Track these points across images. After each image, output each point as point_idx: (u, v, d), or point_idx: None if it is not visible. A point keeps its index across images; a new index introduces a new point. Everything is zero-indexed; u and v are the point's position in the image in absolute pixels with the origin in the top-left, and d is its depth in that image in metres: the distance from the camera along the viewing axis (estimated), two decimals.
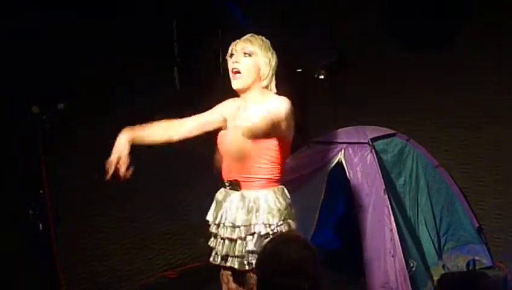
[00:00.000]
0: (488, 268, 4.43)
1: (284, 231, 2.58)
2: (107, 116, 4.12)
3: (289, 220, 2.64)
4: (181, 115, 4.62)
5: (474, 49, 4.48)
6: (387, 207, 3.79)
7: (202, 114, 2.92)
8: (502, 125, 4.51)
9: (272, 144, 2.61)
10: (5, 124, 3.47)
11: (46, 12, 3.70)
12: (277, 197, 2.63)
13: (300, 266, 1.91)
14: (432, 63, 4.70)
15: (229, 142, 2.65)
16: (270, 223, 2.56)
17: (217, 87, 4.95)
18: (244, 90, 2.70)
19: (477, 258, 4.41)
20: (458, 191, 4.58)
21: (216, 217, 2.73)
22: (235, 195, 2.67)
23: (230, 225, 2.63)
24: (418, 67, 4.79)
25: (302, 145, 4.41)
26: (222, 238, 2.68)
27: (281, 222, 2.59)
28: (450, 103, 4.73)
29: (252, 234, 2.58)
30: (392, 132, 4.40)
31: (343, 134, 4.32)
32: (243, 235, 2.59)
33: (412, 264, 3.79)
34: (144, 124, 2.93)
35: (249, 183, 2.65)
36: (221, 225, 2.69)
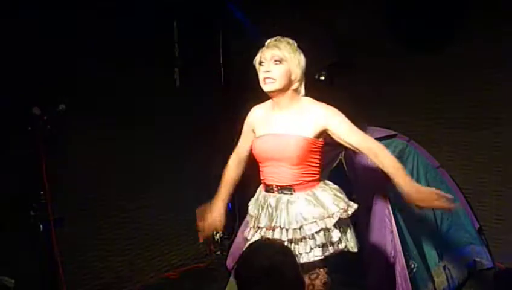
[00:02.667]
0: (488, 269, 4.43)
1: (345, 217, 2.74)
2: (108, 117, 4.13)
3: (349, 202, 2.83)
4: (181, 115, 4.66)
5: (475, 49, 4.48)
6: (388, 208, 3.79)
7: (240, 145, 3.03)
8: (502, 126, 4.51)
9: (320, 146, 2.75)
10: (6, 125, 3.48)
11: (46, 12, 3.71)
12: (330, 189, 2.80)
13: (274, 272, 1.90)
14: (433, 63, 4.70)
15: (280, 149, 2.71)
16: (334, 213, 2.69)
17: (216, 88, 4.99)
18: (275, 94, 2.75)
19: (478, 259, 4.42)
20: (459, 192, 4.57)
21: (268, 222, 2.76)
22: (290, 197, 2.74)
23: (293, 227, 2.68)
24: (418, 67, 4.79)
25: None
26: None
27: (342, 209, 2.73)
28: (451, 103, 4.73)
29: (318, 231, 2.67)
30: (393, 132, 4.39)
31: None
32: (309, 234, 2.66)
33: (412, 265, 3.78)
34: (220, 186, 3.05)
35: (301, 185, 2.74)
36: (282, 229, 2.70)
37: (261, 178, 2.87)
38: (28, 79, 3.61)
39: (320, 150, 2.76)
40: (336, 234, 2.73)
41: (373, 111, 4.97)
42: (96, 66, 4.00)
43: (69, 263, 3.80)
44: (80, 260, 4.09)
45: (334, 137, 2.76)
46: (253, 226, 2.87)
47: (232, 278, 4.14)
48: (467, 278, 4.29)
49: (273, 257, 1.95)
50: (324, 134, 2.74)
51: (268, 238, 2.61)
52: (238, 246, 4.16)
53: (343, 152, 4.10)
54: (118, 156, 4.26)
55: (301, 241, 2.68)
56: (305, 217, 2.68)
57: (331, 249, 2.73)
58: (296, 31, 4.83)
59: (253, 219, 2.88)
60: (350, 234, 2.84)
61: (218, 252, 5.03)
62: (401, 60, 4.84)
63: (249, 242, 2.79)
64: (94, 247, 4.22)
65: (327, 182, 2.86)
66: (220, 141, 4.76)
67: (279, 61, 2.69)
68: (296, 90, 2.76)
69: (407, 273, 3.67)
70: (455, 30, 4.54)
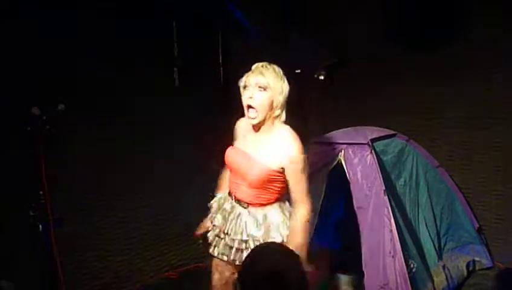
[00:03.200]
0: (488, 269, 4.43)
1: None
2: (107, 117, 4.13)
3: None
4: (180, 115, 4.66)
5: (475, 49, 4.49)
6: (387, 208, 3.79)
7: None
8: (502, 126, 4.52)
9: (283, 177, 2.82)
10: (5, 125, 3.48)
11: (46, 12, 3.70)
12: (281, 212, 2.88)
13: (278, 276, 1.90)
14: (432, 63, 4.71)
15: (243, 169, 2.82)
16: (277, 236, 2.81)
17: (216, 88, 4.99)
18: (258, 123, 2.82)
19: (477, 258, 4.42)
20: (458, 191, 4.58)
21: (223, 225, 2.95)
22: (242, 210, 2.89)
23: (239, 238, 2.85)
24: (418, 67, 4.80)
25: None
26: (229, 245, 2.91)
27: (286, 234, 2.83)
28: (450, 103, 4.73)
29: None
30: (392, 132, 4.40)
31: (343, 135, 4.32)
32: (252, 247, 2.80)
33: (412, 265, 3.78)
34: None
35: (257, 204, 2.86)
36: (228, 235, 2.90)
37: (228, 182, 3.03)
38: (27, 79, 3.61)
39: (283, 179, 2.82)
40: None
41: (373, 111, 4.98)
42: (96, 66, 4.00)
43: (69, 263, 3.80)
44: (79, 260, 4.09)
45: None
46: (211, 221, 3.05)
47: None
48: (466, 277, 4.29)
49: (278, 262, 1.95)
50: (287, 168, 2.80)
51: (273, 242, 2.68)
52: None
53: (343, 152, 4.11)
54: (117, 156, 4.26)
55: (243, 251, 2.85)
56: (251, 234, 2.83)
57: None
58: (296, 31, 4.87)
59: (212, 213, 3.07)
60: None
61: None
62: (400, 59, 4.85)
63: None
64: (93, 247, 4.22)
65: (283, 205, 2.94)
66: (219, 140, 4.76)
67: (263, 88, 2.74)
68: (277, 118, 2.82)
69: (406, 272, 3.67)
70: (455, 30, 4.54)
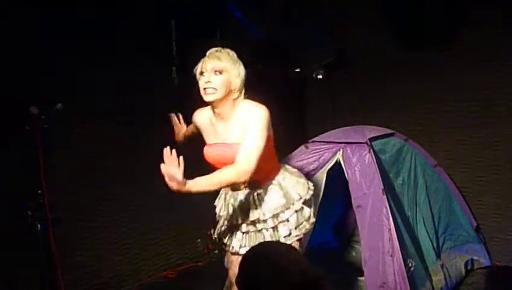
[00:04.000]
0: (486, 268, 4.44)
1: (310, 196, 3.00)
2: (106, 116, 4.13)
3: (309, 185, 3.06)
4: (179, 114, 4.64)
5: (474, 49, 4.49)
6: (386, 207, 3.79)
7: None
8: (501, 125, 4.52)
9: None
10: (4, 124, 3.48)
11: (45, 12, 3.70)
12: (291, 175, 3.00)
13: (280, 276, 1.86)
14: (432, 62, 4.71)
15: (228, 157, 2.80)
16: (300, 196, 2.94)
17: None
18: (216, 104, 2.84)
19: (475, 257, 4.42)
20: (457, 190, 4.58)
21: (227, 213, 3.01)
22: (239, 194, 2.96)
23: (246, 222, 2.92)
24: (417, 66, 4.80)
25: (300, 145, 4.41)
26: (244, 232, 2.95)
27: (307, 190, 2.99)
28: (449, 102, 4.74)
29: (292, 215, 2.91)
30: (390, 131, 4.40)
31: (342, 134, 4.32)
32: (285, 218, 2.89)
33: (410, 264, 3.79)
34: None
35: (262, 178, 2.92)
36: (257, 220, 2.92)
37: None
38: (25, 78, 3.60)
39: (264, 149, 2.77)
40: (306, 211, 2.98)
41: (371, 110, 4.98)
42: (94, 65, 4.00)
43: (67, 262, 3.80)
44: (77, 260, 4.09)
45: None
46: (223, 224, 3.06)
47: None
48: (464, 276, 4.30)
49: (283, 253, 1.93)
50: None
51: (272, 241, 2.72)
52: None
53: (341, 151, 4.11)
54: (115, 155, 4.26)
55: (279, 225, 2.90)
56: (276, 207, 2.90)
57: (306, 225, 2.98)
58: (295, 30, 4.87)
59: (221, 216, 3.08)
60: (314, 208, 3.07)
61: (216, 251, 5.02)
62: (399, 59, 4.85)
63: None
64: (92, 246, 4.22)
65: (286, 166, 3.08)
66: None
67: (219, 71, 2.77)
68: (236, 100, 2.84)
69: (405, 272, 3.67)
70: (454, 30, 4.54)
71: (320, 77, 4.97)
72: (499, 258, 4.51)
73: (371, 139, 4.11)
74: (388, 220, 3.77)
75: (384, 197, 3.81)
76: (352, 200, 3.97)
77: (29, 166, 3.34)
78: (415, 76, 4.84)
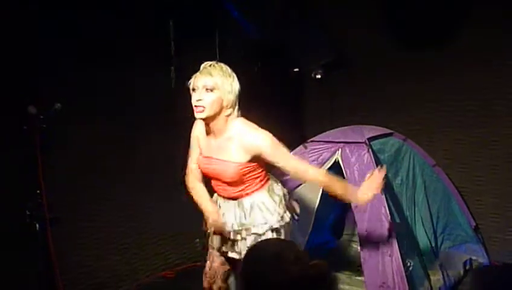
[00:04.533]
0: (485, 267, 4.44)
1: (279, 226, 2.92)
2: (104, 116, 4.12)
3: (285, 214, 2.98)
4: (178, 114, 4.65)
5: (473, 49, 4.49)
6: (384, 207, 3.80)
7: (192, 160, 3.16)
8: (499, 125, 4.52)
9: (257, 164, 2.86)
10: (2, 124, 3.47)
11: (43, 12, 3.70)
12: (270, 196, 2.95)
13: (282, 259, 1.85)
14: (430, 62, 4.71)
15: (219, 173, 2.89)
16: (267, 221, 2.89)
17: None
18: (208, 121, 2.83)
19: (474, 257, 4.43)
20: (455, 190, 4.59)
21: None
22: (232, 202, 2.97)
23: (232, 229, 2.93)
24: (415, 66, 4.80)
25: (298, 144, 4.41)
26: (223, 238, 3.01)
27: (278, 218, 2.92)
28: (448, 102, 4.74)
29: (252, 234, 2.89)
30: (389, 131, 4.40)
31: (340, 133, 4.33)
32: (244, 236, 2.91)
33: (409, 264, 3.79)
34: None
35: (243, 194, 2.93)
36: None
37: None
38: (24, 78, 3.60)
39: (259, 165, 2.87)
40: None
41: (370, 110, 4.98)
42: (93, 65, 3.99)
43: (65, 262, 3.79)
44: (76, 259, 4.08)
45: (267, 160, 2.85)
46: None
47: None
48: (463, 276, 4.30)
49: (279, 254, 1.92)
50: (260, 157, 2.81)
51: (272, 238, 2.71)
52: None
53: (340, 151, 4.11)
54: (114, 155, 4.26)
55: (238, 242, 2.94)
56: (240, 223, 2.92)
57: None
58: (293, 30, 4.87)
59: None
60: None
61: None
62: (397, 59, 4.85)
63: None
64: (90, 246, 4.21)
65: (273, 186, 3.01)
66: None
67: (210, 89, 2.74)
68: (229, 116, 2.81)
69: (403, 271, 3.68)
70: (453, 29, 4.55)
71: (318, 76, 4.96)
72: (497, 258, 4.52)
73: (370, 139, 4.11)
74: (387, 220, 3.78)
75: (383, 197, 3.81)
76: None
77: (27, 166, 3.33)
78: (413, 76, 4.84)
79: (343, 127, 4.46)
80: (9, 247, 3.53)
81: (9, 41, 3.52)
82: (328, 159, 4.17)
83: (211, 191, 3.12)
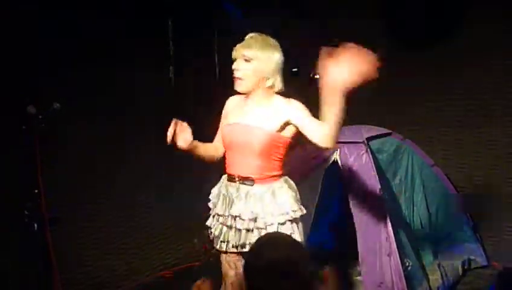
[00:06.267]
0: (483, 267, 4.45)
1: (298, 216, 2.82)
2: (103, 116, 4.12)
3: (301, 206, 2.87)
4: (176, 114, 4.64)
5: (473, 49, 4.49)
6: (383, 206, 3.80)
7: (218, 132, 3.05)
8: (497, 125, 4.53)
9: (285, 142, 2.80)
10: (1, 124, 3.47)
11: (42, 11, 3.70)
12: (289, 187, 2.85)
13: (286, 267, 1.84)
14: (428, 62, 4.71)
15: (245, 141, 2.78)
16: (288, 211, 2.77)
17: (212, 86, 4.98)
18: (247, 93, 2.81)
19: (472, 257, 4.43)
20: (454, 190, 4.59)
21: (226, 209, 2.86)
22: (249, 189, 2.81)
23: (248, 217, 2.77)
24: (414, 66, 4.80)
25: (297, 144, 4.41)
26: (238, 229, 2.82)
27: (296, 208, 2.81)
28: (447, 102, 4.74)
29: (271, 225, 2.76)
30: (388, 131, 4.40)
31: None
32: (262, 226, 2.76)
33: (407, 264, 3.79)
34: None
35: (261, 179, 2.80)
36: (237, 217, 2.81)
37: (225, 167, 2.93)
38: (23, 77, 3.60)
39: (284, 145, 2.82)
40: (286, 229, 2.79)
41: (369, 110, 4.97)
42: (92, 65, 3.99)
43: (64, 262, 3.79)
44: (74, 259, 4.08)
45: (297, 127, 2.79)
46: (213, 214, 2.98)
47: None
48: (461, 276, 4.30)
49: (287, 253, 1.90)
50: (290, 129, 2.78)
51: (280, 232, 2.63)
52: None
53: (338, 151, 4.11)
54: (113, 155, 4.26)
55: (253, 231, 2.79)
56: (261, 210, 2.78)
57: None
58: (293, 30, 4.86)
59: (214, 206, 2.98)
60: (299, 232, 2.86)
61: (214, 250, 5.01)
62: (396, 58, 4.84)
63: (212, 231, 2.98)
64: (89, 246, 4.22)
65: (288, 179, 2.93)
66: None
67: (247, 60, 2.73)
68: (271, 88, 2.78)
69: (402, 271, 3.68)
70: (453, 29, 4.55)
71: (317, 76, 4.95)
72: (496, 258, 4.52)
73: (368, 139, 4.11)
74: (385, 220, 3.78)
75: (382, 196, 3.82)
76: (349, 199, 3.97)
77: (26, 166, 3.33)
78: (412, 76, 4.83)
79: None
80: (8, 247, 3.53)
81: (8, 41, 3.52)
82: (326, 159, 4.17)
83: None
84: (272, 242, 2.00)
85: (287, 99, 2.80)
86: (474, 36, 4.45)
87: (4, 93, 3.47)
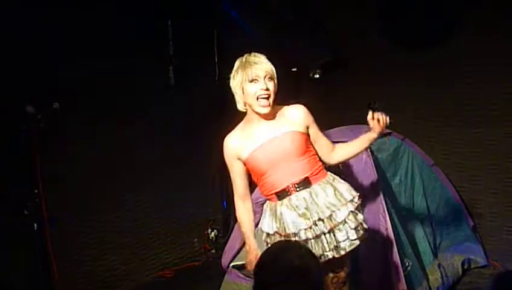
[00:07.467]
0: (483, 267, 4.44)
1: (361, 202, 2.85)
2: (103, 116, 4.13)
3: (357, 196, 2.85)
4: (176, 114, 4.65)
5: (472, 49, 4.49)
6: (383, 206, 3.79)
7: (235, 181, 2.92)
8: (497, 125, 4.52)
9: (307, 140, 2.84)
10: (0, 124, 3.47)
11: (43, 11, 3.70)
12: (339, 178, 2.87)
13: (301, 273, 1.84)
14: (428, 62, 4.71)
15: (282, 149, 2.74)
16: (352, 198, 2.79)
17: (212, 86, 4.99)
18: (259, 114, 2.77)
19: (472, 257, 4.42)
20: (453, 190, 4.58)
21: (300, 223, 2.73)
22: (310, 190, 2.75)
23: (326, 216, 2.71)
24: (414, 66, 4.79)
25: None
26: (322, 233, 2.72)
27: (357, 194, 2.83)
28: (446, 102, 4.74)
29: (348, 214, 2.74)
30: (387, 131, 4.39)
31: (339, 133, 4.31)
32: (340, 220, 2.72)
33: (407, 264, 3.79)
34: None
35: (314, 176, 2.78)
36: (317, 222, 2.71)
37: (269, 190, 2.81)
38: (22, 77, 3.60)
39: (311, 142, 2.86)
40: (360, 216, 2.82)
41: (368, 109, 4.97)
42: (91, 64, 4.00)
43: (64, 262, 3.79)
44: (74, 259, 4.09)
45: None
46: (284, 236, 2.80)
47: (227, 276, 4.14)
48: (461, 276, 4.30)
49: (303, 259, 1.89)
50: (308, 130, 2.84)
51: (291, 240, 2.61)
52: (233, 245, 4.16)
53: None
54: (112, 155, 4.27)
55: (336, 229, 2.72)
56: (333, 204, 2.74)
57: (361, 231, 2.80)
58: (292, 30, 4.86)
59: (279, 233, 2.80)
60: (364, 217, 2.91)
61: (213, 251, 5.02)
62: (396, 58, 4.85)
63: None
64: (88, 246, 4.22)
65: (331, 174, 2.92)
66: (215, 140, 4.75)
67: (271, 78, 2.71)
68: (275, 101, 2.77)
69: (401, 271, 3.67)
70: (453, 30, 4.55)
71: (317, 76, 4.96)
72: (495, 258, 4.52)
73: None
74: (385, 220, 3.77)
75: (381, 196, 3.81)
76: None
77: (25, 166, 3.33)
78: (411, 76, 4.83)
79: (341, 127, 4.46)
80: (7, 247, 3.53)
81: (8, 41, 3.52)
82: None
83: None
84: (285, 249, 1.99)
85: (295, 105, 2.85)
86: (474, 36, 4.44)
87: (3, 93, 3.47)
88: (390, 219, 3.77)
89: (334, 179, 2.84)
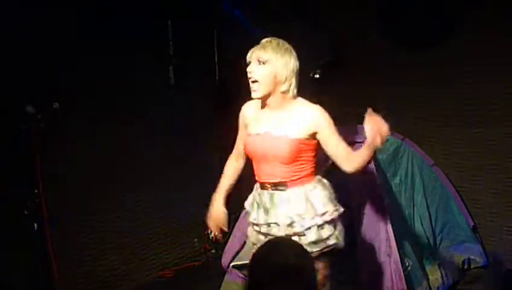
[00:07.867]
0: (483, 267, 4.44)
1: (336, 217, 2.80)
2: (102, 115, 4.13)
3: (338, 205, 2.85)
4: (176, 114, 4.65)
5: (472, 49, 4.49)
6: (383, 206, 3.80)
7: (237, 141, 3.01)
8: (497, 125, 4.52)
9: (314, 144, 2.78)
10: (0, 124, 3.47)
11: (43, 11, 3.70)
12: (323, 187, 2.82)
13: (296, 271, 1.83)
14: (428, 62, 4.70)
15: (271, 149, 2.74)
16: (323, 212, 2.75)
17: (212, 86, 4.99)
18: (264, 98, 2.76)
19: (472, 257, 4.42)
20: (453, 190, 4.58)
21: (261, 217, 2.83)
22: (282, 194, 2.77)
23: (285, 223, 2.74)
24: (414, 66, 4.79)
25: None
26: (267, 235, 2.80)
27: (331, 209, 2.78)
28: (446, 102, 4.74)
29: (309, 228, 2.72)
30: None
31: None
32: (300, 231, 2.72)
33: (407, 264, 3.79)
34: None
35: (294, 181, 2.75)
36: (273, 224, 2.78)
37: (255, 175, 2.87)
38: (22, 77, 3.60)
39: (313, 147, 2.79)
40: (326, 231, 2.77)
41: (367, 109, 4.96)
42: (91, 64, 4.00)
43: (63, 262, 3.79)
44: (74, 259, 4.09)
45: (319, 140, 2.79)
46: (251, 224, 2.94)
47: (227, 277, 4.14)
48: (461, 276, 4.30)
49: (296, 257, 1.89)
50: (314, 135, 2.76)
51: (284, 237, 2.62)
52: (233, 245, 4.16)
53: None
54: (112, 155, 4.27)
55: (293, 237, 2.70)
56: (297, 214, 2.73)
57: (322, 245, 2.76)
58: (292, 30, 4.86)
59: (250, 215, 2.93)
60: (338, 231, 2.84)
61: (213, 251, 5.02)
62: (397, 58, 4.85)
63: (249, 239, 2.95)
64: (88, 246, 4.22)
65: (321, 179, 2.88)
66: (215, 140, 4.76)
67: (263, 62, 2.69)
68: (286, 92, 2.73)
69: (401, 271, 3.68)
70: (449, 28, 4.55)
71: (317, 76, 4.96)
72: (495, 258, 4.51)
73: None
74: (385, 220, 3.78)
75: (381, 196, 3.82)
76: (349, 199, 3.97)
77: (25, 165, 3.33)
78: (411, 76, 4.83)
79: (341, 127, 4.45)
80: (7, 247, 3.53)
81: (8, 41, 3.52)
82: (325, 159, 4.16)
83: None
84: (278, 248, 1.97)
85: (312, 106, 2.79)
86: (474, 36, 4.44)
87: (3, 93, 3.47)
88: (390, 219, 3.78)
89: (314, 188, 2.79)
